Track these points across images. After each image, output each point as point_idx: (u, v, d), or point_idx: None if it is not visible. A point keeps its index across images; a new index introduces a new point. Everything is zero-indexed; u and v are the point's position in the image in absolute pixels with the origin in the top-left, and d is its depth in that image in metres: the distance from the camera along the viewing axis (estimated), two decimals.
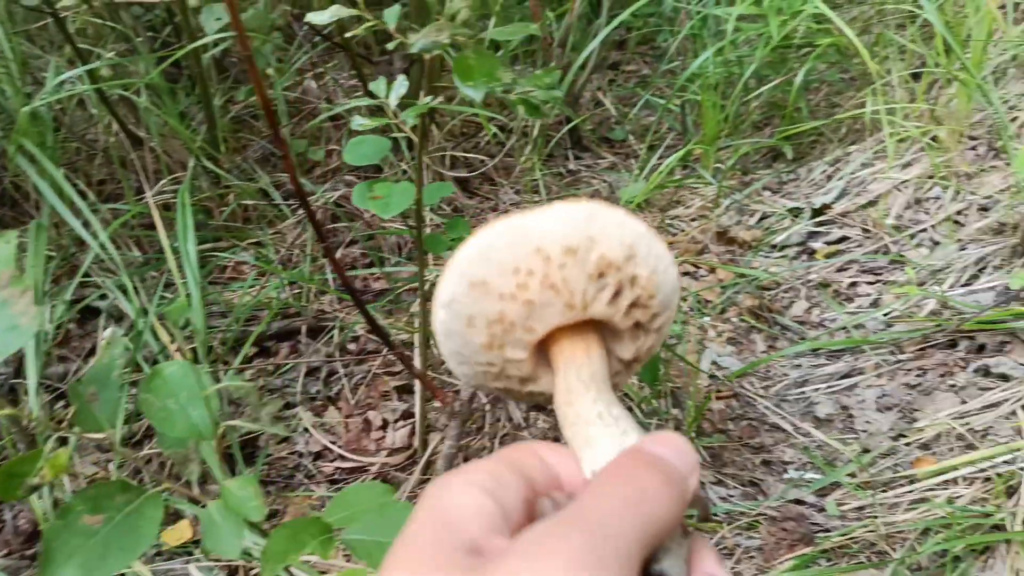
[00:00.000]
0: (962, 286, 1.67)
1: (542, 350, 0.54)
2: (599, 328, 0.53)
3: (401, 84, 1.14)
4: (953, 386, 1.49)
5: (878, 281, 1.82)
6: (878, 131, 2.13)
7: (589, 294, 0.48)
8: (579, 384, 0.49)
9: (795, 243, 2.02)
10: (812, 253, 1.98)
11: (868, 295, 1.79)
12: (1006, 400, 1.40)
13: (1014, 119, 1.97)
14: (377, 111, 1.11)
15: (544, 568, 0.32)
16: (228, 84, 2.14)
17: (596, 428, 0.46)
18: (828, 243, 1.99)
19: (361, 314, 1.04)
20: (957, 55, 1.80)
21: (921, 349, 1.59)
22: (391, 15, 1.04)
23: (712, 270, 1.98)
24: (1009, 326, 1.49)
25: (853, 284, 1.84)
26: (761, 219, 2.16)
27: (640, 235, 0.49)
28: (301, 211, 1.90)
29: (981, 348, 1.53)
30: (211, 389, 0.69)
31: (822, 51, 2.10)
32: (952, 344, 1.57)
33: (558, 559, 0.33)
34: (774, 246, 2.03)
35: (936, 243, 1.82)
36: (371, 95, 1.11)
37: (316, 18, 1.00)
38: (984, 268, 1.67)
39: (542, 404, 0.54)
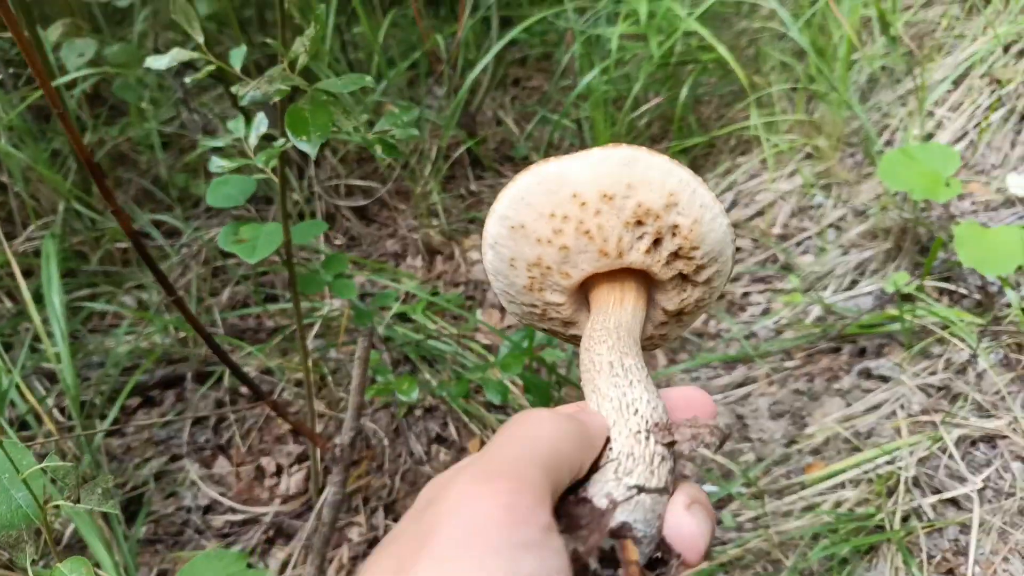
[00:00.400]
0: (844, 291, 1.73)
1: (584, 295, 0.52)
2: (640, 278, 0.50)
3: (261, 122, 1.10)
4: (839, 390, 1.54)
5: (768, 289, 1.87)
6: (767, 138, 2.20)
7: (625, 242, 0.46)
8: (602, 332, 0.48)
9: None
10: None
11: (759, 304, 1.84)
12: (886, 401, 1.45)
13: (885, 127, 2.07)
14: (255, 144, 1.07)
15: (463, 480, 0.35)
16: (104, 118, 2.04)
17: (603, 377, 0.45)
18: None
19: (224, 363, 0.99)
20: (824, 73, 1.87)
21: (809, 355, 1.64)
22: (236, 56, 1.00)
23: None
24: (886, 329, 1.54)
25: (746, 294, 1.89)
26: None
27: (683, 183, 0.46)
28: (184, 249, 1.82)
29: (862, 351, 1.58)
30: (30, 470, 0.64)
31: (704, 67, 2.15)
32: (836, 349, 1.62)
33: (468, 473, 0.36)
34: None
35: (821, 249, 1.89)
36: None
37: (155, 63, 0.96)
38: (863, 273, 1.73)
39: None
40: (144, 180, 1.99)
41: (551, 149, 2.65)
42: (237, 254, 1.12)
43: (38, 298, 1.43)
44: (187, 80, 0.91)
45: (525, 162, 2.75)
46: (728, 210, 2.13)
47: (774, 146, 2.09)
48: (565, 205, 0.45)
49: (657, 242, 0.48)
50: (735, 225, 2.09)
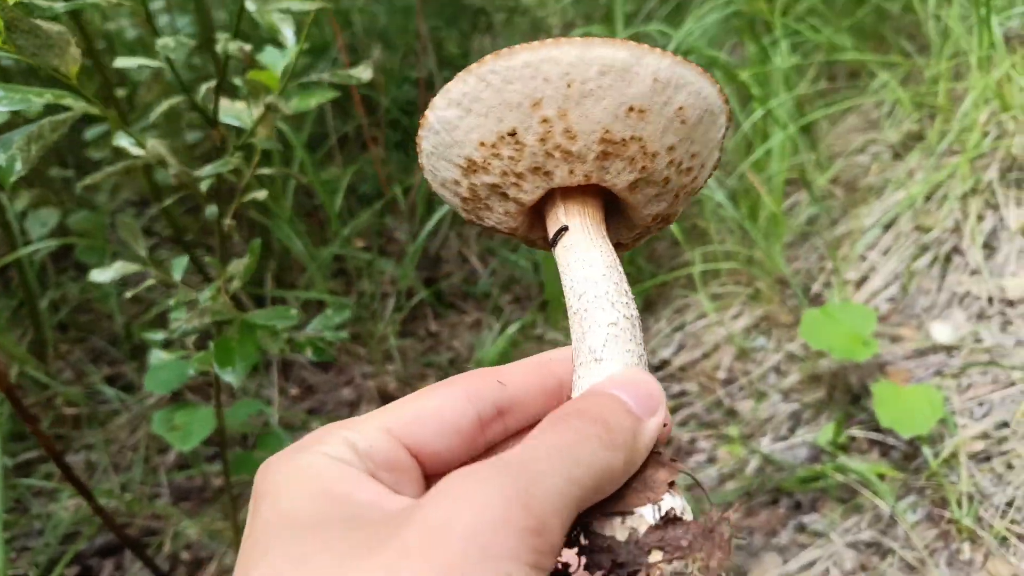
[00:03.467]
0: (781, 440, 1.76)
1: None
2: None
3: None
4: (777, 546, 1.55)
5: (713, 435, 1.90)
6: (714, 278, 2.29)
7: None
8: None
9: None
10: None
11: (704, 451, 1.87)
12: (819, 559, 1.46)
13: (822, 269, 2.16)
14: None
15: (465, 507, 0.31)
16: (70, 272, 2.12)
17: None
18: (671, 397, 2.08)
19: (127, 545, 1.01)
20: (754, 237, 1.98)
21: (749, 508, 1.65)
22: (178, 267, 1.07)
23: None
24: (819, 484, 1.57)
25: (693, 440, 1.92)
26: None
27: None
28: (136, 407, 1.86)
29: (798, 505, 1.60)
30: None
31: None
32: (775, 501, 1.64)
33: (480, 498, 0.31)
34: None
35: (762, 394, 1.94)
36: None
37: (99, 276, 1.03)
38: (799, 422, 1.78)
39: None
40: (102, 338, 2.04)
41: (514, 284, 2.74)
42: (170, 442, 1.16)
43: None
44: (129, 295, 0.97)
45: (487, 299, 2.83)
46: (676, 352, 2.19)
47: (714, 293, 2.17)
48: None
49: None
50: (682, 368, 2.15)
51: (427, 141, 0.50)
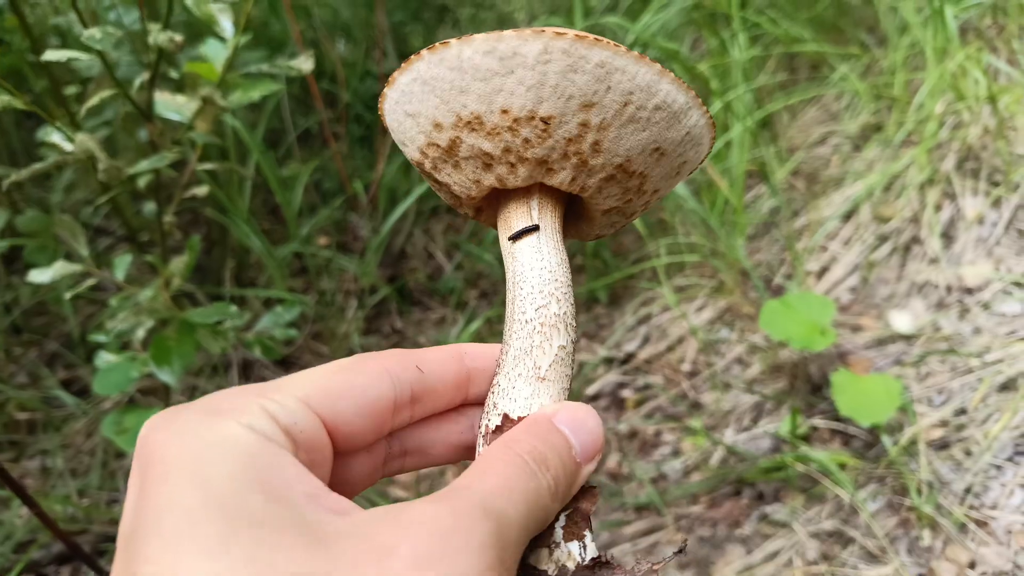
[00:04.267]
0: (744, 431, 1.77)
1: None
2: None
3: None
4: (740, 537, 1.55)
5: (678, 428, 1.90)
6: (678, 271, 2.29)
7: None
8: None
9: (607, 393, 2.10)
10: (623, 402, 2.06)
11: (669, 443, 1.87)
12: (783, 549, 1.47)
13: (783, 261, 2.18)
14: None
15: (422, 534, 0.30)
16: (20, 277, 2.06)
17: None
18: (636, 390, 2.08)
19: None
20: (715, 230, 1.98)
21: (713, 499, 1.66)
22: (120, 265, 1.04)
23: None
24: (782, 474, 1.58)
25: (658, 433, 1.92)
26: (580, 369, 2.24)
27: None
28: (92, 411, 1.81)
29: (761, 496, 1.61)
30: None
31: None
32: (738, 492, 1.64)
33: (435, 525, 0.30)
34: (592, 397, 2.10)
35: (726, 385, 1.95)
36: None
37: (38, 276, 0.99)
38: (761, 413, 1.79)
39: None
40: (56, 341, 1.99)
41: (480, 279, 2.72)
42: (119, 444, 1.13)
43: None
44: (68, 295, 0.94)
45: (451, 294, 2.81)
46: (642, 345, 2.20)
47: (678, 286, 2.18)
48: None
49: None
50: (648, 361, 2.15)
51: (449, 69, 0.45)
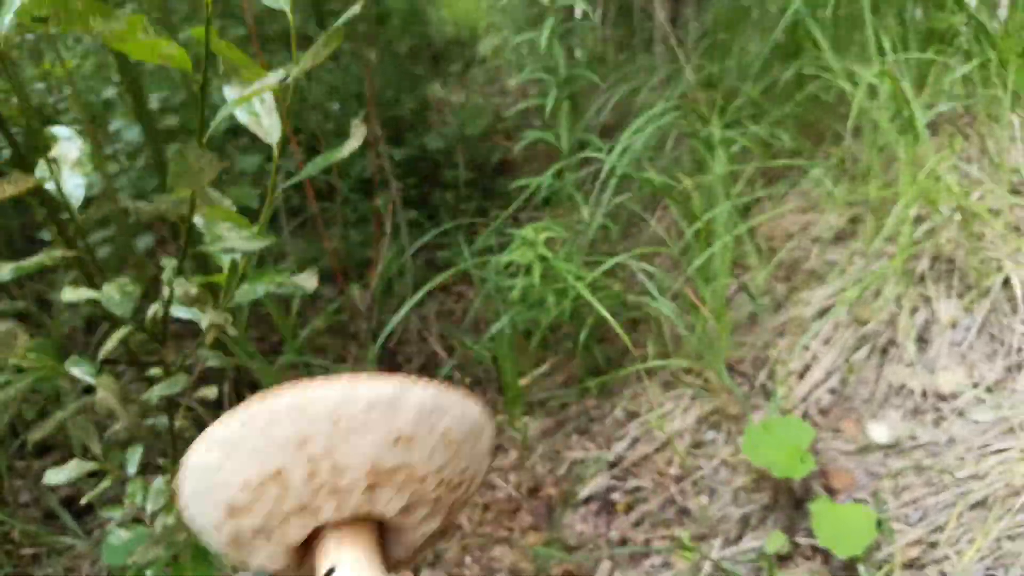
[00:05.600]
0: (732, 544, 1.82)
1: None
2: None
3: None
4: None
5: (667, 536, 1.95)
6: (665, 366, 2.36)
7: None
8: None
9: (598, 496, 2.15)
10: (613, 506, 2.11)
11: (659, 552, 1.92)
12: None
13: (766, 359, 2.24)
14: None
15: None
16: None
17: None
18: (626, 493, 2.13)
19: None
20: (701, 340, 2.05)
21: None
22: (132, 460, 1.10)
23: (524, 532, 2.07)
24: None
25: (647, 540, 1.97)
26: (570, 468, 2.29)
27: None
28: (97, 532, 1.86)
29: None
30: None
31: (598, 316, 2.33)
32: None
33: None
34: (585, 500, 2.16)
35: (713, 491, 2.00)
36: None
37: (54, 477, 1.05)
38: (747, 526, 1.84)
39: None
40: (60, 452, 2.04)
41: (475, 366, 2.78)
42: (106, 558, 1.18)
43: None
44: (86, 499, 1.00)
45: (447, 381, 2.87)
46: (631, 446, 2.25)
47: (666, 381, 2.24)
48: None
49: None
50: (636, 463, 2.21)
51: (187, 484, 0.48)
